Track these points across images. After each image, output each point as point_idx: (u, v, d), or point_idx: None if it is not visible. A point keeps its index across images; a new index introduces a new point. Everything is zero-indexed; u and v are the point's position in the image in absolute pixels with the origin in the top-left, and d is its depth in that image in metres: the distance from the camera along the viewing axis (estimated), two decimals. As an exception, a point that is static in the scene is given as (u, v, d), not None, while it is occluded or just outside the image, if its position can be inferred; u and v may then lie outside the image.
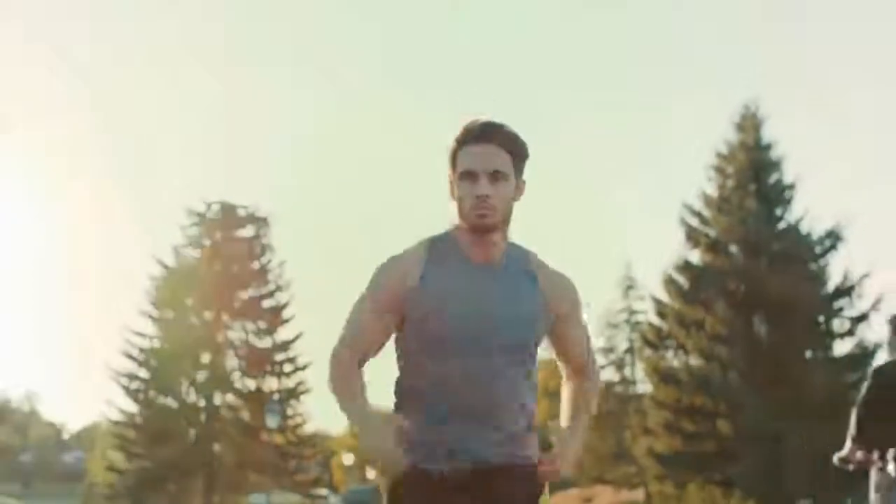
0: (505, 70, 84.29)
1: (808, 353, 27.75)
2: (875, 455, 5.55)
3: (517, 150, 2.90)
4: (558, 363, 3.11)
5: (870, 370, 5.94)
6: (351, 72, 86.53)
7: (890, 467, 5.44)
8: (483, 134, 2.87)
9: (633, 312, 38.56)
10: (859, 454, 5.63)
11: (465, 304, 2.86)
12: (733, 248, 28.33)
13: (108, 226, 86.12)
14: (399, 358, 2.98)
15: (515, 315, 2.88)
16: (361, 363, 2.97)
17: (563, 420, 3.10)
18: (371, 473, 60.64)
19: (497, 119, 2.93)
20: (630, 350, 38.04)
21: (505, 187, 2.86)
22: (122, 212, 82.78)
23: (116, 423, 35.68)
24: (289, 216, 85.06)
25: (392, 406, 2.98)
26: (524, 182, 2.95)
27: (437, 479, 2.86)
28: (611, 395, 36.71)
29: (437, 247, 2.95)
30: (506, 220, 2.92)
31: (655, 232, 63.89)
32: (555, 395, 3.33)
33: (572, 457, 3.01)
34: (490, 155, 2.85)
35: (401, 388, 2.97)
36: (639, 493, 34.07)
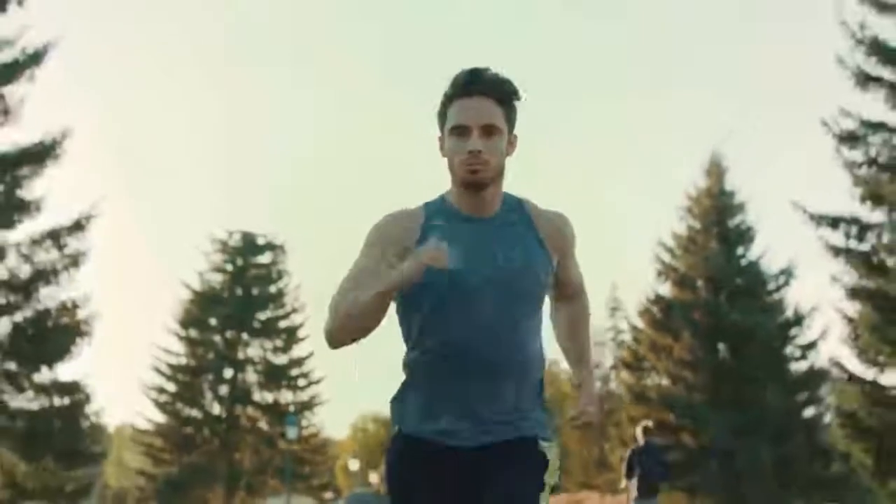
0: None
1: (765, 377, 33.07)
2: (631, 483, 11.69)
3: (509, 102, 2.93)
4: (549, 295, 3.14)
5: (630, 449, 11.90)
6: (363, 85, 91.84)
7: (633, 493, 11.59)
8: (474, 87, 2.89)
9: (618, 332, 43.99)
10: (628, 483, 11.67)
11: (466, 255, 2.87)
12: (699, 283, 33.72)
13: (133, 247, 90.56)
14: (403, 326, 3.01)
15: (521, 263, 2.92)
16: None
17: (566, 342, 3.24)
18: (374, 477, 66.03)
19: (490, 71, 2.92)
20: (615, 367, 43.45)
21: (498, 142, 2.88)
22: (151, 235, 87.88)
23: (145, 431, 40.76)
24: (303, 243, 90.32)
25: (402, 383, 3.02)
26: (516, 136, 2.98)
27: (436, 449, 2.91)
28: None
29: (432, 207, 3.00)
30: (499, 176, 2.94)
31: (641, 256, 69.34)
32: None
33: (596, 402, 3.14)
34: (481, 109, 2.87)
35: (409, 358, 2.99)
36: (622, 498, 39.44)
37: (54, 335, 20.66)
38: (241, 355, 40.63)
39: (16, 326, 20.26)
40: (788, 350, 33.55)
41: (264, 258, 41.82)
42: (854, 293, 19.94)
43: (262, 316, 41.12)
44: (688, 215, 34.89)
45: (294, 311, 41.55)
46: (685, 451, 32.45)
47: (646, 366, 34.86)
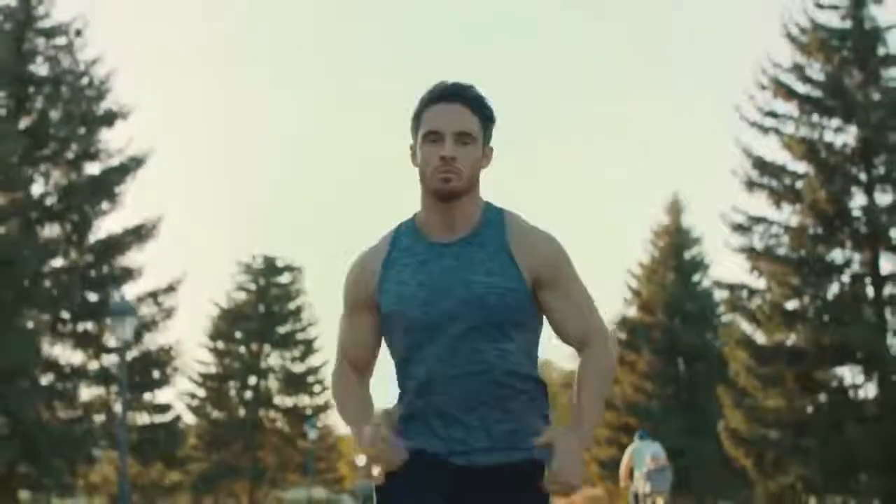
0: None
1: (713, 388, 42.45)
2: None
3: (485, 113, 3.06)
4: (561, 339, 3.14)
5: None
6: (367, 86, 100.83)
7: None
8: (450, 94, 3.03)
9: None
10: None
11: (424, 290, 3.02)
12: (659, 308, 43.22)
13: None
14: (389, 352, 3.20)
15: (484, 289, 2.98)
16: (363, 372, 3.22)
17: (573, 411, 3.11)
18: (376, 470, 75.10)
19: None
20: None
21: (472, 150, 3.01)
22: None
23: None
24: (318, 264, 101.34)
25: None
26: (491, 149, 3.10)
27: (421, 461, 3.04)
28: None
29: (400, 235, 3.13)
30: (472, 188, 3.04)
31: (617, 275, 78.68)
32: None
33: (576, 464, 2.93)
34: (457, 115, 3.00)
35: (398, 387, 3.18)
36: (598, 490, 48.89)
37: (155, 370, 30.38)
38: (263, 364, 49.15)
39: (127, 364, 29.79)
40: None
41: (284, 278, 50.84)
42: (737, 343, 29.47)
43: (282, 329, 49.68)
44: (651, 247, 44.47)
45: (310, 324, 50.41)
46: (645, 450, 42.06)
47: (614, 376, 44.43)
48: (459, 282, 3.01)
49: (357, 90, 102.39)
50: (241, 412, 48.80)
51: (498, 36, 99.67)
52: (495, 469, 3.03)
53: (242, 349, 49.47)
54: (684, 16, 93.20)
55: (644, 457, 18.34)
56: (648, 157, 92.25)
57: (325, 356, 50.96)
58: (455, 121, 3.00)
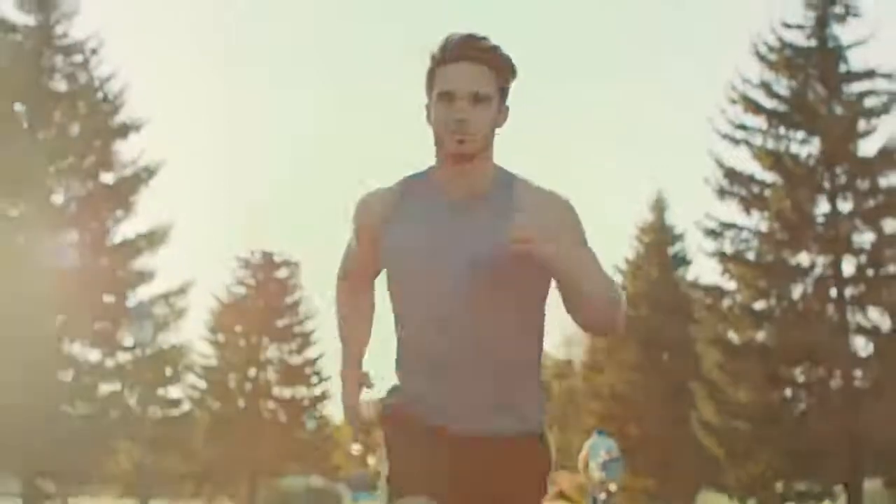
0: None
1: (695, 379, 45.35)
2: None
3: (501, 70, 3.02)
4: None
5: None
6: (366, 82, 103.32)
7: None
8: (463, 51, 2.97)
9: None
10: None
11: (432, 245, 3.03)
12: (643, 303, 46.05)
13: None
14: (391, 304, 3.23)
15: (492, 255, 2.96)
16: (365, 289, 3.40)
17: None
18: (371, 460, 77.83)
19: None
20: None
21: (486, 110, 2.98)
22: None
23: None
24: (315, 260, 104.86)
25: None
26: (508, 107, 3.07)
27: (422, 422, 3.11)
28: (570, 401, 54.70)
29: (411, 185, 3.14)
30: (487, 149, 3.03)
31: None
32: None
33: (551, 243, 2.87)
34: (471, 74, 2.96)
35: (396, 337, 3.22)
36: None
37: (167, 367, 33.23)
38: (262, 357, 51.26)
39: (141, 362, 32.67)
40: (715, 357, 45.97)
41: (281, 273, 53.56)
42: (710, 341, 32.38)
43: (280, 323, 51.88)
44: (637, 243, 47.31)
45: (307, 318, 52.88)
46: (629, 440, 45.01)
47: (601, 367, 47.40)
48: (467, 241, 3.03)
49: (356, 89, 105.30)
50: (241, 403, 50.98)
51: (495, 33, 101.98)
52: (484, 439, 3.10)
53: (242, 342, 51.51)
54: (683, 17, 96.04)
55: (599, 450, 21.82)
56: (636, 155, 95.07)
57: (322, 349, 53.41)
58: (469, 81, 2.98)
